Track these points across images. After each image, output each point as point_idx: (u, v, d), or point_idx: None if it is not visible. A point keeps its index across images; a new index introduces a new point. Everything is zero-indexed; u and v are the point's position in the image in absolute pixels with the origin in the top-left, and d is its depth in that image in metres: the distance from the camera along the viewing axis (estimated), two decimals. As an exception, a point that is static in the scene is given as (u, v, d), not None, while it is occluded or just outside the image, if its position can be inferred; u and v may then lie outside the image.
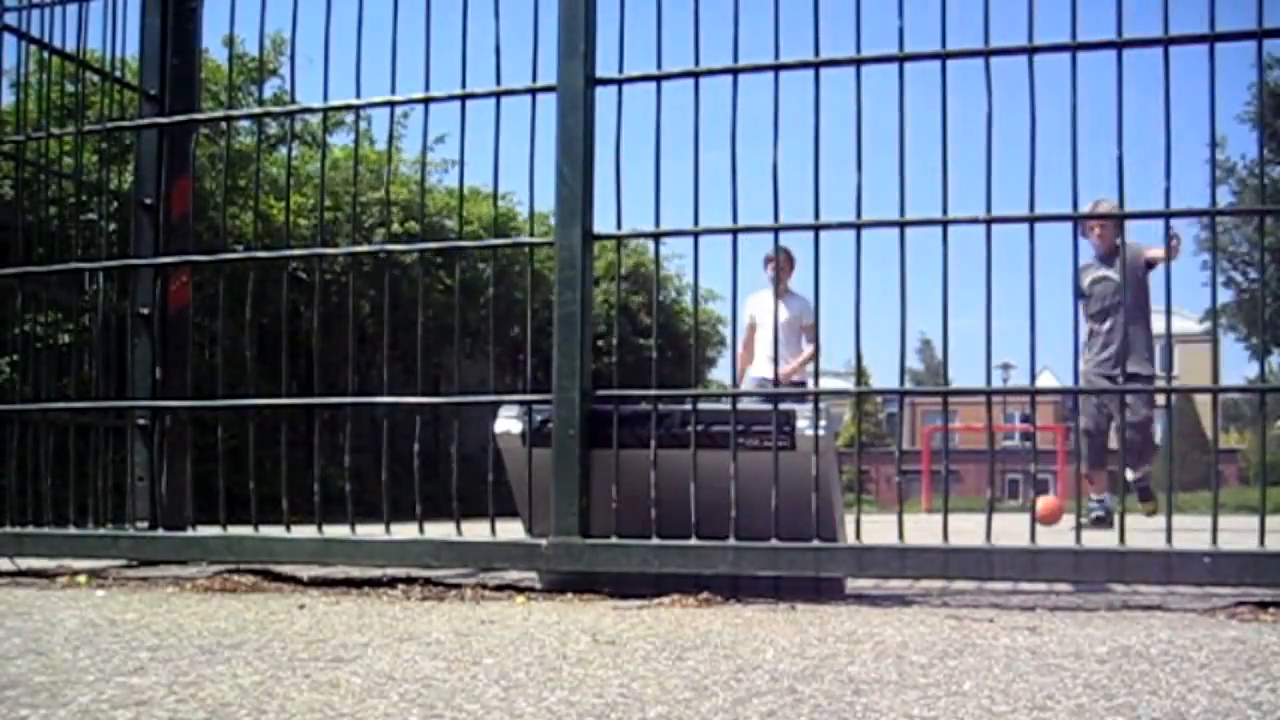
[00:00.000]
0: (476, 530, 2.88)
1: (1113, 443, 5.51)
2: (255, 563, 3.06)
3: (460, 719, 1.28)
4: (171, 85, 3.69)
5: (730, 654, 1.77)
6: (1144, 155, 2.71)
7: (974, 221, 2.86)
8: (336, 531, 2.97)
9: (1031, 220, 2.82)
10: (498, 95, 2.94)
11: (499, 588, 2.83)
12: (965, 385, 3.04)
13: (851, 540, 2.69)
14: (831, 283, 3.03)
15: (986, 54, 2.87)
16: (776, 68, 2.81)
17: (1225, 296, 30.28)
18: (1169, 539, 2.47)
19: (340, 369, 3.51)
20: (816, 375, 3.30)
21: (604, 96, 2.95)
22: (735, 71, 2.86)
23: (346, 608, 2.46)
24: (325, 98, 3.13)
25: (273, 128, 12.42)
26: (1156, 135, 2.64)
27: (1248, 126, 26.32)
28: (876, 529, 2.97)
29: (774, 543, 2.65)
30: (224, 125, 4.97)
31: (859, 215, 2.83)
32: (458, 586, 2.83)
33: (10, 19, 3.56)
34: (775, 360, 3.21)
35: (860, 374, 3.28)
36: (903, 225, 2.80)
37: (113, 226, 3.91)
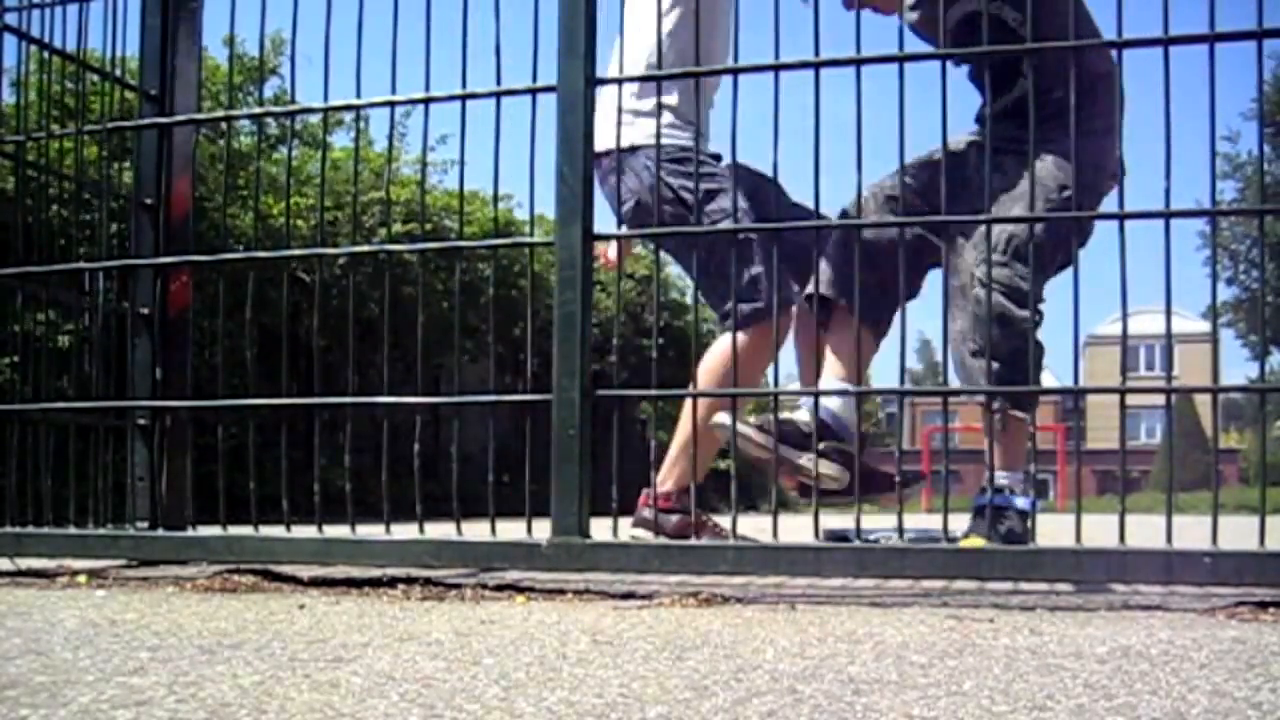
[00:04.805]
0: (476, 530, 2.88)
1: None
2: (255, 563, 3.06)
3: (460, 719, 1.29)
4: (171, 85, 3.69)
5: (730, 654, 1.77)
6: (1144, 155, 2.71)
7: (974, 221, 2.86)
8: (337, 531, 2.97)
9: (1032, 220, 2.82)
10: (498, 95, 2.94)
11: (499, 588, 2.82)
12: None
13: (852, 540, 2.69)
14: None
15: (987, 54, 2.87)
16: (776, 68, 2.81)
17: (1225, 295, 30.31)
18: (1169, 539, 2.47)
19: (340, 369, 3.51)
20: (818, 370, 3.29)
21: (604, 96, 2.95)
22: (735, 71, 2.86)
23: (346, 608, 2.46)
24: (325, 98, 3.13)
25: (273, 128, 12.43)
26: (1156, 134, 2.64)
27: (1254, 123, 26.45)
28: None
29: (773, 542, 2.65)
30: (224, 125, 4.97)
31: (859, 215, 2.83)
32: (458, 586, 2.83)
33: (10, 19, 3.56)
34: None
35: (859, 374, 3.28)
36: (903, 225, 2.80)
37: (114, 226, 3.91)
